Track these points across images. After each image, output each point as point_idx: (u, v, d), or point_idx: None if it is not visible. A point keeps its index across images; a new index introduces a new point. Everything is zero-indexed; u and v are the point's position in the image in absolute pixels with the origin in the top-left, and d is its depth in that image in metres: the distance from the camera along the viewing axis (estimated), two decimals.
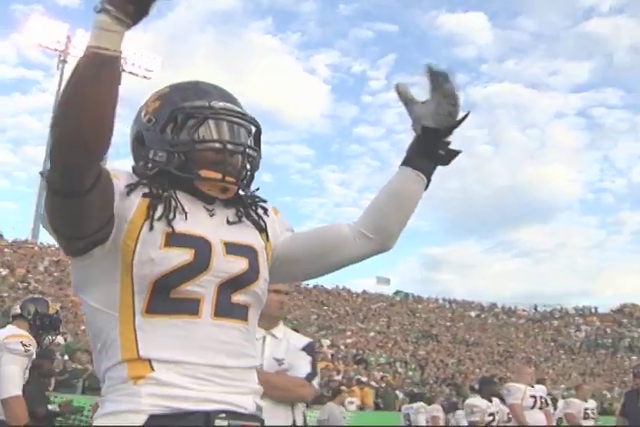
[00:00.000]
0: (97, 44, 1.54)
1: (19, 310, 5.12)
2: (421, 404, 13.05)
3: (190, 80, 2.03)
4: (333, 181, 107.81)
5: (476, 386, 11.30)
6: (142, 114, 1.98)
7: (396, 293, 49.86)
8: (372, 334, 36.46)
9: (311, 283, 47.60)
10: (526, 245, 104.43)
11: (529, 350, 41.86)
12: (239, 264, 1.85)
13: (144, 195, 1.81)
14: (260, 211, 2.03)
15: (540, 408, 9.31)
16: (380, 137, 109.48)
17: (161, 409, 1.68)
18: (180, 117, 1.89)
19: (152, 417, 1.66)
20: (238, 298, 1.85)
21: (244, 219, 1.98)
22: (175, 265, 1.74)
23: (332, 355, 28.17)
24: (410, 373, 29.52)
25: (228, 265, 1.83)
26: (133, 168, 1.93)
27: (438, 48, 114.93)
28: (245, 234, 1.95)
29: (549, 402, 10.04)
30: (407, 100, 2.05)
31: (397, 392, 23.00)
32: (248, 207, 2.01)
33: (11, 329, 4.87)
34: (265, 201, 2.07)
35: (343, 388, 15.93)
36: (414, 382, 26.54)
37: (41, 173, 1.72)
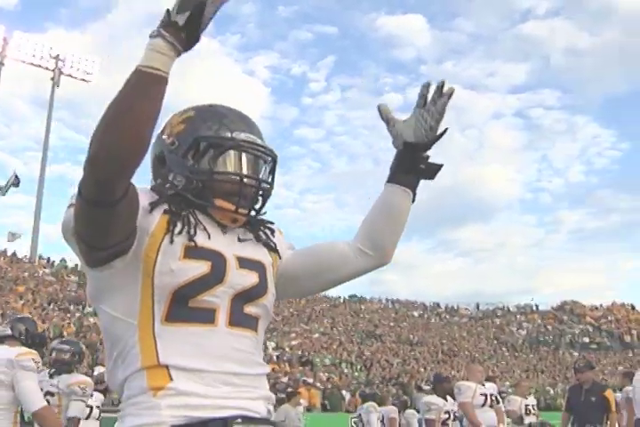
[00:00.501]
0: (150, 64, 1.67)
1: (9, 331, 5.28)
2: (372, 403, 13.03)
3: (215, 105, 2.10)
4: (275, 183, 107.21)
5: (424, 386, 11.28)
6: (166, 133, 2.05)
7: (351, 297, 49.88)
8: (316, 335, 36.37)
9: None
10: (467, 245, 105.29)
11: (472, 348, 42.10)
12: (250, 278, 1.96)
13: (165, 211, 1.89)
14: (268, 232, 2.13)
15: (491, 406, 9.42)
16: (321, 139, 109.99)
17: (181, 420, 1.74)
18: (202, 146, 1.97)
19: None
20: (250, 309, 1.95)
21: (252, 237, 2.07)
22: (194, 276, 1.83)
23: (278, 357, 28.16)
24: (356, 373, 29.59)
25: (241, 278, 1.93)
26: (152, 186, 2.02)
27: (378, 50, 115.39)
28: (255, 250, 2.05)
29: (500, 400, 10.10)
30: (389, 119, 2.18)
31: (344, 393, 22.97)
32: (257, 228, 2.10)
33: (16, 348, 5.02)
34: (272, 223, 2.16)
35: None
36: (360, 383, 26.52)
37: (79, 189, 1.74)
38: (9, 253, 36.99)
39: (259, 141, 2.04)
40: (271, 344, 30.12)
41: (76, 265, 37.70)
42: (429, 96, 2.08)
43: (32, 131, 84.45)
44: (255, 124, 2.10)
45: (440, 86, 2.07)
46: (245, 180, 1.99)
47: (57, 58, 45.58)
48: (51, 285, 32.56)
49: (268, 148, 2.06)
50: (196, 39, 1.74)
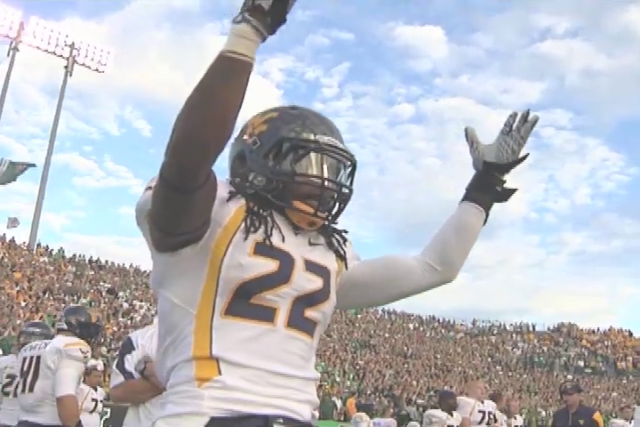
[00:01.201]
0: (235, 49, 1.64)
1: (65, 326, 5.41)
2: (360, 414, 12.86)
3: (298, 107, 2.11)
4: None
5: (418, 400, 11.09)
6: (247, 133, 2.05)
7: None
8: None
9: None
10: (468, 261, 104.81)
11: (466, 364, 41.91)
12: (315, 282, 1.94)
13: (241, 206, 1.89)
14: (341, 239, 2.12)
15: (488, 424, 9.30)
16: None
17: (222, 412, 1.73)
18: (285, 147, 1.96)
19: (213, 420, 1.72)
20: (310, 313, 1.93)
21: (323, 242, 2.06)
22: (260, 273, 1.82)
23: None
24: (348, 382, 29.40)
25: (306, 281, 1.91)
26: (230, 182, 2.00)
27: (393, 59, 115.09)
28: (324, 256, 2.03)
29: (498, 418, 9.90)
30: (473, 142, 2.27)
31: (335, 401, 22.77)
32: (330, 234, 2.10)
33: (67, 338, 5.21)
34: (346, 232, 2.16)
35: None
36: (352, 392, 26.31)
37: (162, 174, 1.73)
38: (7, 240, 36.75)
39: (340, 145, 2.04)
40: None
41: (74, 255, 37.70)
42: (514, 125, 2.18)
43: (40, 118, 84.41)
44: (337, 128, 2.11)
45: (525, 115, 2.16)
46: (327, 183, 1.98)
47: (72, 46, 45.22)
48: (47, 273, 32.48)
49: (349, 152, 2.06)
50: (282, 23, 1.71)
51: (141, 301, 33.19)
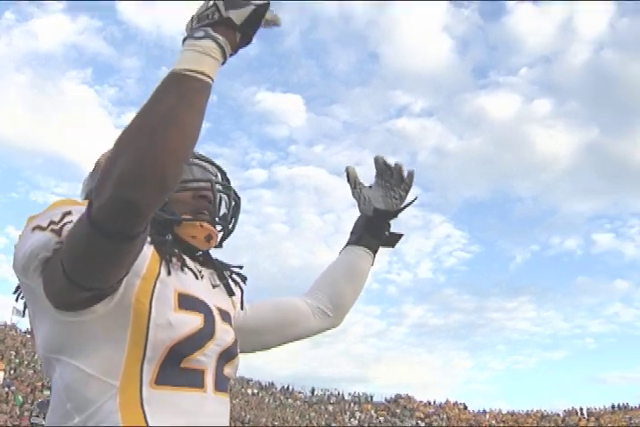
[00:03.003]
0: (198, 68, 1.43)
1: None
2: None
3: None
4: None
5: None
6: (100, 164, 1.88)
7: None
8: None
9: None
10: None
11: None
12: (230, 334, 1.75)
13: (154, 251, 1.65)
14: (238, 279, 1.97)
15: None
16: None
17: None
18: None
19: None
20: (228, 371, 1.74)
21: (218, 282, 1.88)
22: (190, 330, 1.59)
23: None
24: None
25: (224, 334, 1.71)
26: None
27: (252, 123, 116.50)
28: (224, 300, 1.86)
29: None
30: (356, 184, 2.29)
31: None
32: (223, 272, 1.91)
33: None
34: (241, 267, 1.99)
35: None
36: None
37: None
38: None
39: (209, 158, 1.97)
40: None
41: None
42: (388, 168, 2.23)
43: None
44: None
45: (399, 169, 2.22)
46: (218, 186, 1.88)
47: None
48: None
49: (214, 162, 1.98)
50: (249, 42, 1.56)
51: None
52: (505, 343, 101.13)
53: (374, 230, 2.24)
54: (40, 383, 31.18)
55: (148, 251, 1.62)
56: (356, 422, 48.17)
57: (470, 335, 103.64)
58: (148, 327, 1.54)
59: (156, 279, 1.60)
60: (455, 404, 53.31)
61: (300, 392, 53.29)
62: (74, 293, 1.47)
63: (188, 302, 1.63)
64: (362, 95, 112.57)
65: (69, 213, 1.54)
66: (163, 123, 1.35)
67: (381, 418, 49.19)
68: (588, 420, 47.07)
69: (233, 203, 1.93)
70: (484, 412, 52.67)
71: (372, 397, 53.70)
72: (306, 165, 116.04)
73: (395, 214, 2.25)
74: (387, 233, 2.27)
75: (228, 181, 1.97)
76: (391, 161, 2.24)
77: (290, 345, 2.19)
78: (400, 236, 2.30)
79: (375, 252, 2.25)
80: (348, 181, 2.29)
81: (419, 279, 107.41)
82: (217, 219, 1.87)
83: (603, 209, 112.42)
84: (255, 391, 49.57)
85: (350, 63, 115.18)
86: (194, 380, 1.59)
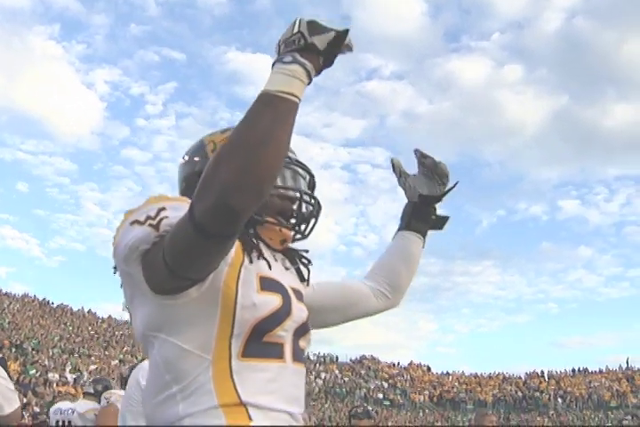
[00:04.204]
0: (290, 90, 1.61)
1: (91, 390, 6.83)
2: None
3: None
4: (91, 200, 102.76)
5: None
6: (210, 151, 2.04)
7: None
8: (115, 362, 34.95)
9: (56, 301, 45.60)
10: None
11: None
12: (305, 311, 1.93)
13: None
14: (306, 262, 2.11)
15: None
16: (147, 162, 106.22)
17: None
18: None
19: None
20: (303, 344, 1.92)
21: (290, 266, 2.04)
22: (271, 310, 1.78)
23: (75, 380, 26.84)
24: None
25: (300, 311, 1.89)
26: None
27: (220, 83, 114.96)
28: (297, 281, 2.04)
29: None
30: (401, 173, 2.45)
31: None
32: (294, 256, 2.07)
33: (88, 404, 6.69)
34: (307, 251, 2.13)
35: None
36: None
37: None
38: None
39: (300, 159, 2.10)
40: (68, 366, 28.67)
41: None
42: (426, 161, 2.37)
43: None
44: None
45: (427, 157, 2.37)
46: (300, 195, 2.01)
47: None
48: None
49: (307, 166, 2.11)
50: (331, 64, 1.74)
51: None
52: (469, 307, 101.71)
53: (421, 215, 2.40)
54: None
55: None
56: (321, 382, 48.61)
57: (436, 298, 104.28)
58: (235, 308, 1.73)
59: (241, 266, 1.79)
60: (419, 365, 54.05)
61: None
62: (173, 281, 1.68)
63: (268, 284, 1.81)
64: None
65: (164, 208, 1.72)
66: (261, 140, 1.54)
67: (346, 378, 49.59)
68: (548, 383, 48.17)
69: (314, 212, 2.08)
70: (448, 374, 53.47)
71: (337, 357, 53.89)
72: None
73: (439, 199, 2.39)
74: (433, 217, 2.41)
75: (314, 185, 2.13)
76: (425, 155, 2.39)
77: None
78: (446, 218, 2.44)
79: (424, 235, 2.41)
80: (394, 171, 2.46)
81: (385, 242, 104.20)
82: (296, 224, 2.03)
83: (569, 176, 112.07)
84: None
85: None
86: (275, 352, 1.79)
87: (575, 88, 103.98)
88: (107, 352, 36.79)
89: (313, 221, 2.06)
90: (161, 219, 1.69)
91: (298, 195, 2.01)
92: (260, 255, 1.86)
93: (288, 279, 1.94)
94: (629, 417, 11.90)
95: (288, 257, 2.05)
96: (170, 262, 1.63)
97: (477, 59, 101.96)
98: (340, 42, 1.69)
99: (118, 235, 1.75)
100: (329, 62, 1.72)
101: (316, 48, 1.66)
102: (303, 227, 2.05)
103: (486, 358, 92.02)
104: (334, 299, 2.25)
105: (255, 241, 1.89)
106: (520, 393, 46.78)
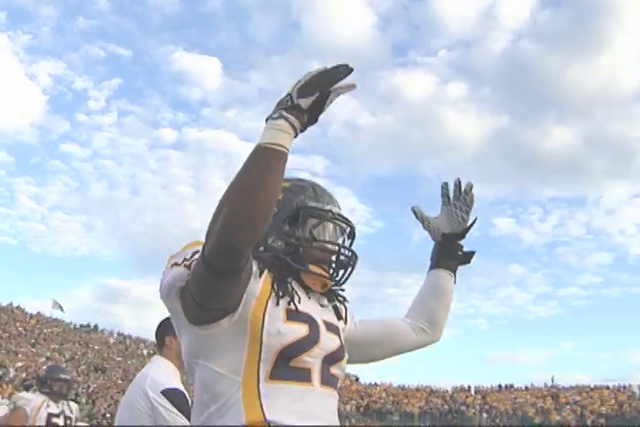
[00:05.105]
0: (278, 141, 1.84)
1: None
2: None
3: (304, 179, 2.34)
4: (25, 193, 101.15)
5: None
6: None
7: (83, 326, 48.41)
8: (42, 359, 34.32)
9: None
10: None
11: None
12: (336, 341, 2.11)
13: (266, 276, 2.04)
14: (343, 300, 2.31)
15: None
16: (85, 158, 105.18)
17: None
18: (302, 214, 2.18)
19: None
20: (334, 371, 2.09)
21: (327, 304, 2.22)
22: (296, 338, 1.96)
23: (1, 377, 26.26)
24: (80, 406, 28.00)
25: (329, 341, 2.07)
26: None
27: (165, 82, 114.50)
28: (332, 316, 2.20)
29: None
30: (424, 219, 2.62)
31: None
32: (333, 296, 2.25)
33: None
34: (343, 290, 2.30)
35: None
36: (84, 416, 25.10)
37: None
38: None
39: (345, 215, 2.28)
40: None
41: None
42: (452, 195, 2.56)
43: None
44: (335, 197, 2.33)
45: (458, 184, 2.55)
46: (342, 249, 2.21)
47: None
48: None
49: (350, 220, 2.28)
50: (315, 121, 1.95)
51: None
52: None
53: (448, 253, 2.57)
54: None
55: (262, 278, 2.02)
56: None
57: (365, 309, 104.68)
58: (261, 335, 1.92)
59: (268, 298, 1.99)
60: (347, 376, 54.12)
61: None
62: (202, 313, 1.91)
63: (294, 316, 2.00)
64: (279, 63, 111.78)
65: (197, 251, 1.91)
66: (254, 184, 1.77)
67: None
68: (474, 397, 48.61)
69: (353, 264, 2.25)
70: (376, 385, 53.89)
71: None
72: (217, 128, 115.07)
73: (462, 235, 2.57)
74: (460, 253, 2.57)
75: (354, 235, 2.31)
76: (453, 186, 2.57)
77: None
78: (473, 253, 2.60)
79: (454, 271, 2.57)
80: (417, 218, 2.62)
81: None
82: (333, 272, 2.21)
83: (506, 195, 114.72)
84: (150, 352, 49.11)
85: (271, 30, 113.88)
86: (301, 376, 1.96)
87: (517, 109, 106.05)
88: (34, 349, 36.06)
89: (349, 270, 2.23)
90: (194, 260, 1.92)
91: (336, 248, 2.19)
92: (285, 293, 2.04)
93: (321, 313, 2.12)
94: None
95: (326, 296, 2.22)
96: (195, 296, 1.88)
97: (423, 74, 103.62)
98: (320, 104, 1.91)
99: (163, 276, 1.98)
100: (313, 120, 1.94)
101: (301, 107, 1.88)
102: (340, 275, 2.23)
103: (414, 370, 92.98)
104: (374, 335, 2.42)
105: (290, 287, 2.07)
106: (446, 406, 47.08)
